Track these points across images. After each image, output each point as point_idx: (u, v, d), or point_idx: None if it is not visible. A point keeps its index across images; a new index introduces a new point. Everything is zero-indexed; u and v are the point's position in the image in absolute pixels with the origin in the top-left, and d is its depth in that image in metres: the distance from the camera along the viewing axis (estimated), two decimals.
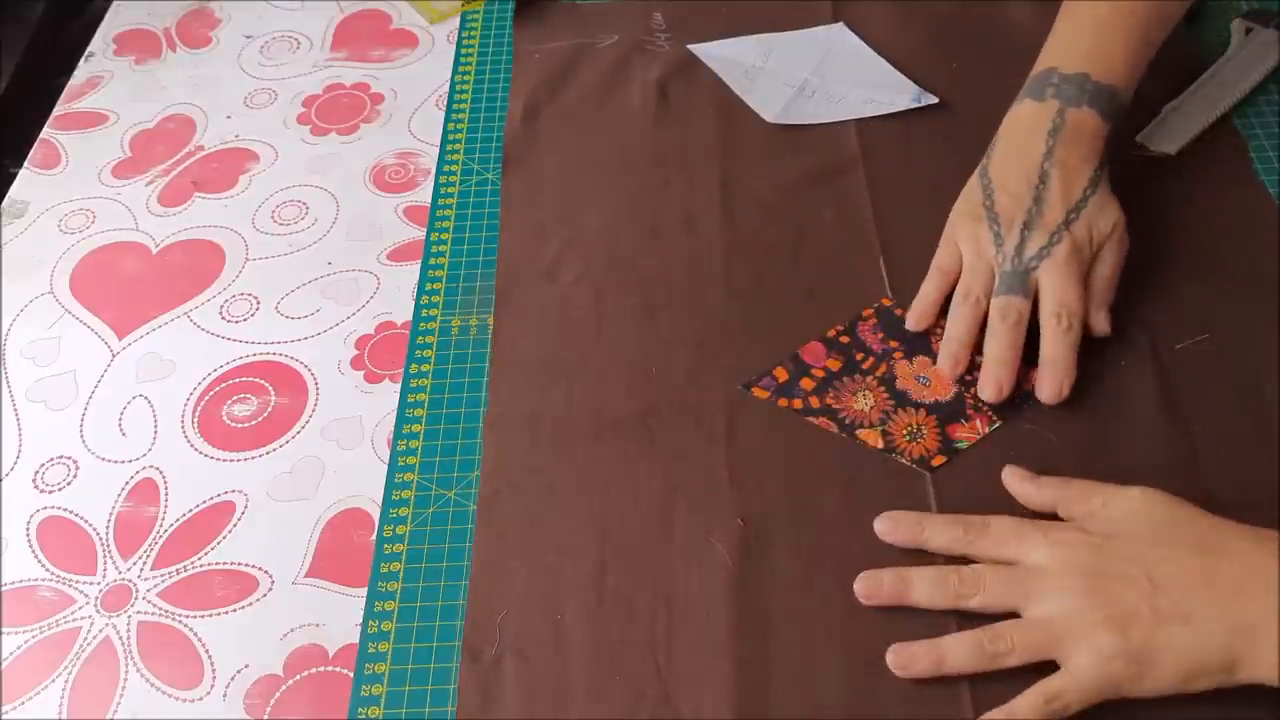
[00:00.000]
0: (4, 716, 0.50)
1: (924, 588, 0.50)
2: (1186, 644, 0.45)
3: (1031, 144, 0.61)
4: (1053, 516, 0.52)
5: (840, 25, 0.79)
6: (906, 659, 0.49)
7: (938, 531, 0.52)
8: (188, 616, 0.53)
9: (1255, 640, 0.45)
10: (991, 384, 0.57)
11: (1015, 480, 0.54)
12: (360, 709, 0.49)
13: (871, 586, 0.51)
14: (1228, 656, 0.45)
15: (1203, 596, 0.46)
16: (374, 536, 0.55)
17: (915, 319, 0.61)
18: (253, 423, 0.60)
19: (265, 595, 0.54)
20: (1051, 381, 0.57)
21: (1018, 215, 0.59)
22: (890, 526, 0.53)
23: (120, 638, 0.53)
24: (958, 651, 0.48)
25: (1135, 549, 0.48)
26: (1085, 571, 0.48)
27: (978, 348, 0.59)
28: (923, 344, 0.60)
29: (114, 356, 0.64)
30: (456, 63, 0.80)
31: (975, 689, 0.48)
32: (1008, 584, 0.49)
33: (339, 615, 0.53)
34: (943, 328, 0.60)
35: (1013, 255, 0.59)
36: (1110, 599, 0.46)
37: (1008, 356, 0.57)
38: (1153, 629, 0.45)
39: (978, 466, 0.55)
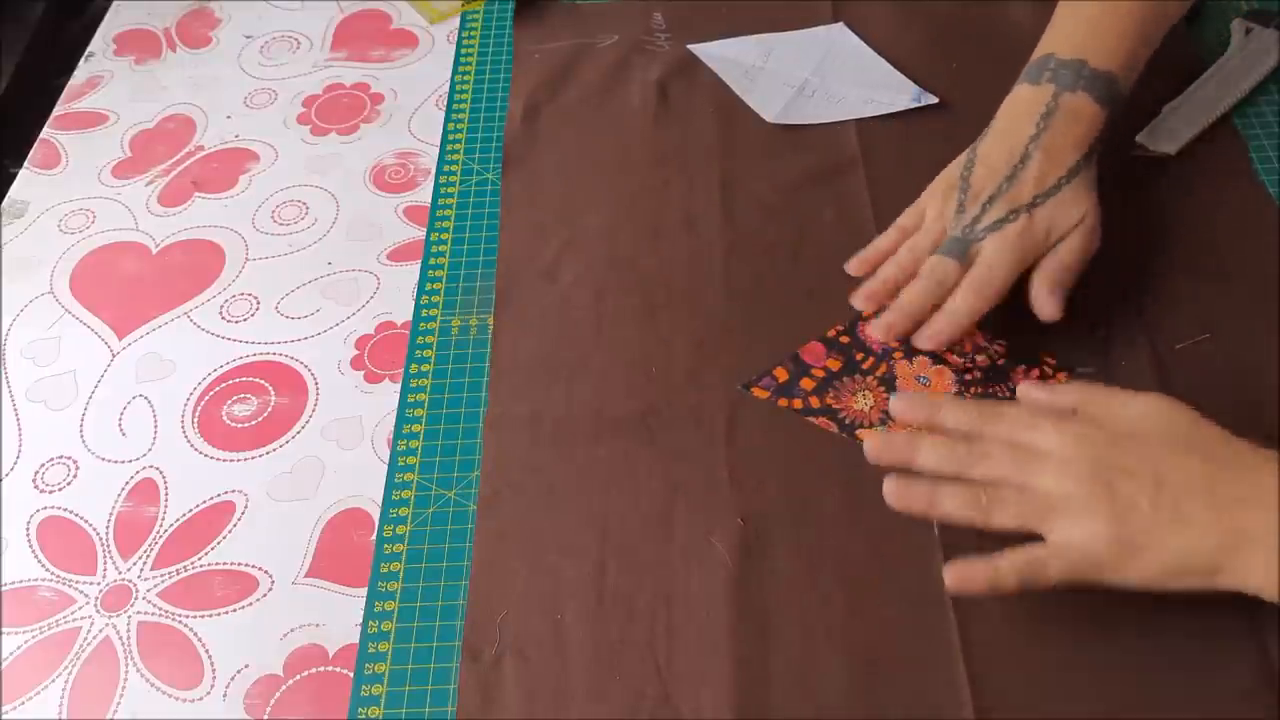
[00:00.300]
0: (4, 716, 0.50)
1: (930, 453, 0.50)
2: (1177, 543, 0.46)
3: (1022, 125, 0.61)
4: None
5: (840, 25, 0.79)
6: (903, 490, 0.50)
7: (952, 412, 0.52)
8: (188, 616, 0.53)
9: (1242, 550, 0.45)
10: (883, 324, 0.59)
11: (1032, 391, 0.53)
12: (360, 709, 0.49)
13: (880, 445, 0.51)
14: (1213, 561, 0.46)
15: (1202, 500, 0.46)
16: (374, 536, 0.55)
17: (856, 263, 0.62)
18: (253, 423, 0.60)
19: (265, 595, 0.54)
20: (933, 326, 0.58)
21: (987, 188, 0.60)
22: (905, 406, 0.54)
23: (120, 638, 0.53)
24: (953, 500, 0.49)
25: (1145, 447, 0.48)
26: (1092, 459, 0.48)
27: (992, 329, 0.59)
28: None
29: (114, 356, 0.64)
30: (456, 63, 0.80)
31: (976, 689, 0.48)
32: (1013, 461, 0.49)
33: (339, 615, 0.53)
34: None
35: (967, 224, 0.59)
36: (1111, 489, 0.47)
37: (914, 309, 0.58)
38: (1148, 523, 0.46)
39: None
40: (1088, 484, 0.47)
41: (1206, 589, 0.46)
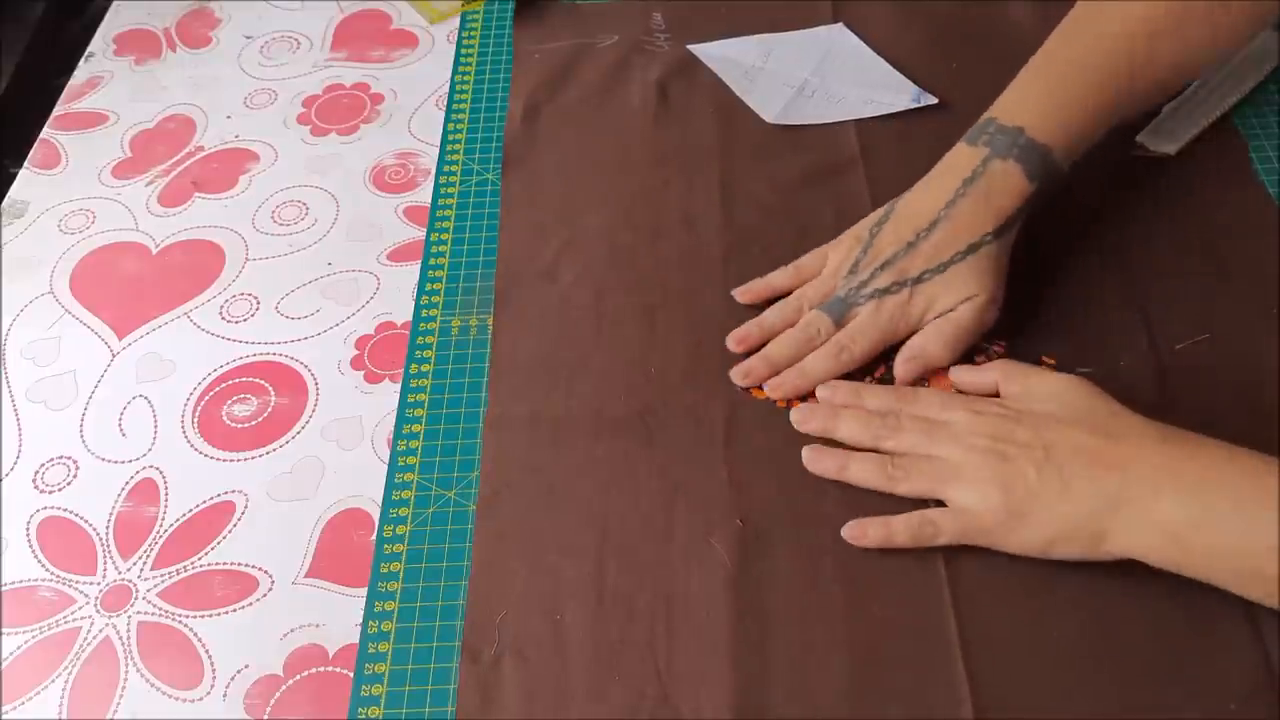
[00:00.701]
0: (4, 716, 0.51)
1: (849, 424, 0.55)
2: (1061, 510, 0.49)
3: (945, 186, 0.60)
4: None
5: (840, 25, 0.79)
6: (816, 455, 0.55)
7: (872, 395, 0.56)
8: (188, 616, 0.53)
9: (1122, 516, 0.48)
10: (742, 369, 0.59)
11: (961, 373, 0.57)
12: (360, 709, 0.49)
13: (803, 415, 0.56)
14: (1096, 527, 0.48)
15: (1087, 472, 0.49)
16: (374, 536, 0.55)
17: (743, 291, 0.63)
18: (253, 423, 0.60)
19: (265, 595, 0.54)
20: (782, 377, 0.58)
21: (885, 253, 0.59)
22: (830, 392, 0.57)
23: (120, 638, 0.53)
24: (862, 466, 0.54)
25: (1042, 424, 0.51)
26: (991, 435, 0.52)
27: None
28: None
29: (114, 356, 0.64)
30: (456, 63, 0.80)
31: (975, 688, 0.48)
32: (922, 434, 0.53)
33: (339, 615, 0.53)
34: None
35: (854, 286, 0.59)
36: (1004, 461, 0.50)
37: (777, 360, 0.59)
38: (1034, 490, 0.49)
39: None
40: (983, 454, 0.51)
41: (1092, 557, 0.49)
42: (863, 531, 0.52)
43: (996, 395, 0.55)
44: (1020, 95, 0.62)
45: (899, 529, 0.51)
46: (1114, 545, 0.48)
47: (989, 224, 0.58)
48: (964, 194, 0.59)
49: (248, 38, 0.84)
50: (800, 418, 0.56)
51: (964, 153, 0.61)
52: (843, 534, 0.52)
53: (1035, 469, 0.49)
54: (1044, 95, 0.61)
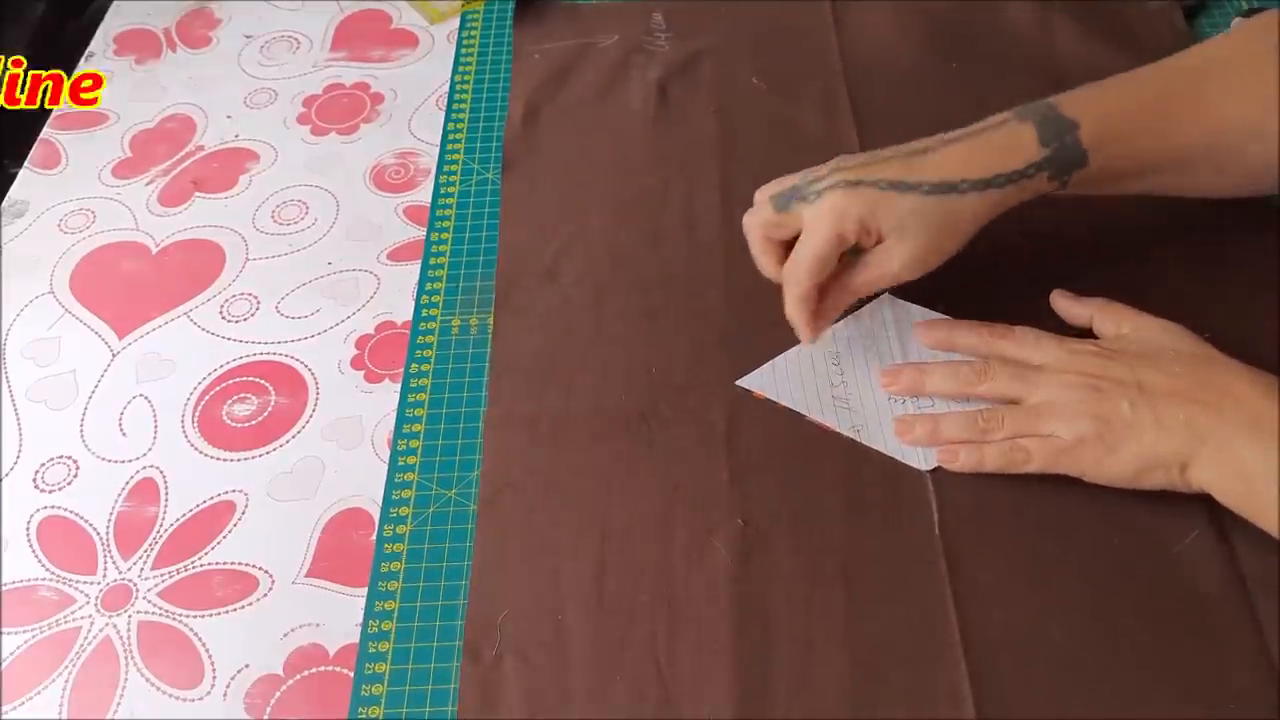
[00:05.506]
0: (4, 716, 0.50)
1: (938, 376, 0.56)
2: (1150, 443, 0.50)
3: (960, 134, 0.57)
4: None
5: (887, 298, 0.62)
6: (906, 425, 0.55)
7: (964, 334, 0.57)
8: (188, 616, 0.53)
9: (1205, 448, 0.49)
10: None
11: (1059, 298, 0.59)
12: (360, 709, 0.49)
13: (890, 377, 0.57)
14: (1182, 458, 0.50)
15: (1181, 409, 0.50)
16: (374, 536, 0.55)
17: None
18: (253, 423, 0.60)
19: (265, 595, 0.54)
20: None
21: (862, 157, 0.57)
22: (924, 331, 0.59)
23: (120, 637, 0.53)
24: (951, 423, 0.55)
25: (1137, 362, 0.52)
26: (1086, 372, 0.53)
27: None
28: None
29: (114, 356, 0.64)
30: (456, 63, 0.80)
31: (976, 688, 0.48)
32: (1015, 378, 0.54)
33: (339, 615, 0.53)
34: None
35: (810, 179, 0.57)
36: (1100, 397, 0.51)
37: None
38: (1127, 424, 0.51)
39: None
40: (1077, 390, 0.52)
41: (1177, 488, 0.50)
42: (954, 455, 0.54)
43: (1089, 332, 0.57)
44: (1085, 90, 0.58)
45: (990, 454, 0.53)
46: (1194, 479, 0.50)
47: (973, 171, 0.54)
48: (967, 135, 0.56)
49: (248, 38, 0.84)
50: (887, 380, 0.57)
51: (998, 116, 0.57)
52: (938, 458, 0.54)
53: (1129, 403, 0.51)
54: (1097, 88, 0.57)
